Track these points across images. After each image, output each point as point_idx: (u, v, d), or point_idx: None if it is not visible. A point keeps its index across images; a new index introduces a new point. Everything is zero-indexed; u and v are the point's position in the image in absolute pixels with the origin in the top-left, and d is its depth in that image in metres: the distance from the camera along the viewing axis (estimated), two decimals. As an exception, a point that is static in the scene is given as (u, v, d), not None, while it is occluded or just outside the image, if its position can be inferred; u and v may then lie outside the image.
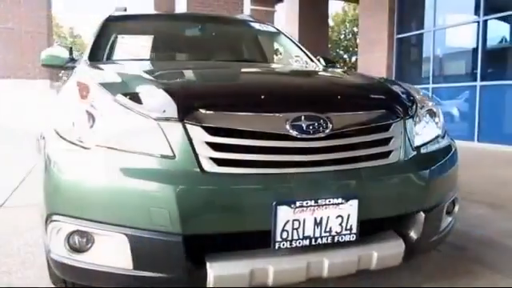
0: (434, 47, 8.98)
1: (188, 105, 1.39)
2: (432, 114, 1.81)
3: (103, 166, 1.34)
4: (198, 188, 1.30)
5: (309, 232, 1.39)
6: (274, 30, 3.14)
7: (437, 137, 1.77)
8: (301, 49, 3.06)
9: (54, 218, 1.37)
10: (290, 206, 1.35)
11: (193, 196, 1.29)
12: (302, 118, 1.43)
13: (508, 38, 7.81)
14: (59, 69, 2.69)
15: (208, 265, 1.32)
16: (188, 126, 1.34)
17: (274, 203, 1.33)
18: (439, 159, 1.66)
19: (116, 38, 2.72)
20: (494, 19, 7.70)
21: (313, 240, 1.40)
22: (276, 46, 3.08)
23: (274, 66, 2.80)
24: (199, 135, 1.34)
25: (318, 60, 3.00)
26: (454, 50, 8.96)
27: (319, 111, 1.46)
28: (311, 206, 1.37)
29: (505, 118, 7.19)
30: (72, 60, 2.59)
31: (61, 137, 1.43)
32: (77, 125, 1.43)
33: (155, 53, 2.60)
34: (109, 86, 1.52)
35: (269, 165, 1.38)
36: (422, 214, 1.57)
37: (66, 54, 2.57)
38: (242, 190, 1.34)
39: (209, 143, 1.34)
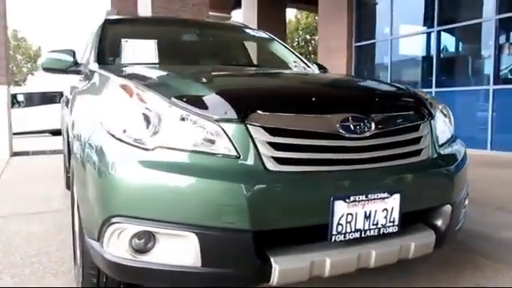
0: (391, 55, 9.46)
1: (248, 107, 1.45)
2: (444, 115, 1.98)
3: (168, 167, 1.36)
4: (264, 186, 1.36)
5: (359, 225, 1.49)
6: (270, 37, 3.25)
7: (452, 136, 1.94)
8: (296, 55, 3.19)
9: (115, 220, 1.38)
10: (344, 200, 1.44)
11: (260, 193, 1.35)
12: (350, 118, 1.53)
13: (459, 47, 8.40)
14: (60, 73, 2.62)
15: (272, 260, 1.38)
16: (250, 127, 1.41)
17: (332, 198, 1.42)
18: (459, 156, 1.83)
19: (119, 41, 2.70)
20: (446, 30, 8.26)
21: (362, 232, 1.50)
22: (273, 51, 3.17)
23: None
24: (261, 136, 1.41)
25: (312, 65, 3.14)
26: (410, 58, 9.49)
27: (363, 112, 1.57)
28: (362, 200, 1.47)
29: (459, 122, 7.71)
30: (76, 64, 2.54)
31: (118, 139, 1.43)
32: (134, 127, 1.44)
33: (167, 57, 2.60)
34: (159, 89, 1.54)
35: (323, 163, 1.47)
36: (449, 207, 1.72)
37: (69, 58, 2.51)
38: (303, 187, 1.42)
39: (270, 143, 1.41)
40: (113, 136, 1.45)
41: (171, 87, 1.61)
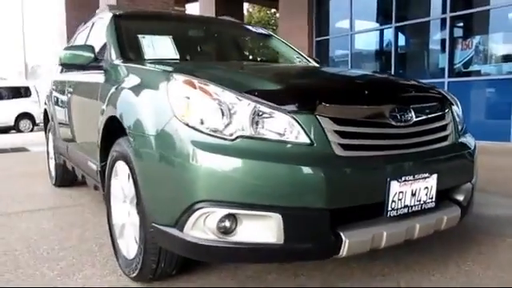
0: (351, 50, 9.89)
1: (317, 100, 1.61)
2: (458, 106, 2.24)
3: (250, 155, 1.50)
4: (336, 169, 1.54)
5: (407, 202, 1.71)
6: (276, 36, 3.44)
7: (464, 123, 2.21)
8: (297, 51, 3.38)
9: (201, 205, 1.50)
10: (397, 180, 1.65)
11: (332, 176, 1.53)
12: (396, 109, 1.74)
13: (416, 43, 8.97)
14: (79, 68, 2.64)
15: (342, 234, 1.56)
16: (319, 118, 1.58)
17: (388, 179, 1.63)
18: (473, 141, 2.10)
19: (136, 36, 2.74)
20: (404, 26, 8.78)
21: (409, 208, 1.72)
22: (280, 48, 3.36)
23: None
24: (329, 125, 1.58)
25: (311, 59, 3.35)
26: (370, 53, 9.98)
27: (405, 104, 1.79)
28: (410, 180, 1.69)
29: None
30: (96, 59, 2.57)
31: (198, 131, 1.54)
32: (214, 120, 1.56)
33: (186, 53, 2.68)
34: (227, 84, 1.66)
35: (379, 148, 1.67)
36: (470, 185, 1.98)
37: (90, 54, 2.54)
38: (366, 170, 1.61)
39: (336, 131, 1.59)
40: (192, 128, 1.56)
41: (236, 82, 1.73)
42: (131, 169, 1.86)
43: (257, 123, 1.56)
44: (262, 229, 1.50)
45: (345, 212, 1.59)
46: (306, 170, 1.50)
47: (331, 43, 10.69)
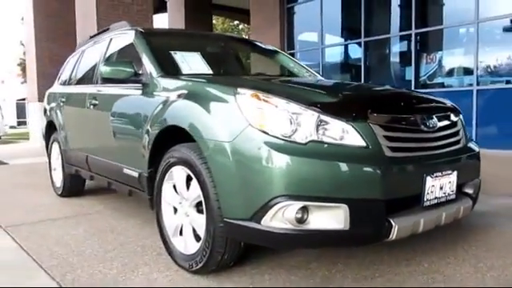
0: (322, 63, 10.41)
1: (368, 110, 1.94)
2: (462, 115, 2.64)
3: (321, 156, 1.80)
4: (387, 167, 1.87)
5: (437, 194, 2.06)
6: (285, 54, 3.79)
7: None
8: (303, 66, 3.73)
9: (280, 199, 1.77)
10: (431, 176, 2.01)
11: (386, 172, 1.86)
12: (425, 118, 2.11)
13: (384, 56, 9.60)
14: (119, 82, 2.83)
15: (392, 221, 1.88)
16: (372, 125, 1.90)
17: (424, 175, 1.98)
18: (477, 146, 2.50)
19: (167, 53, 2.98)
20: (373, 41, 9.39)
21: (438, 199, 2.08)
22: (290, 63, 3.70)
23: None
24: (379, 131, 1.91)
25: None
26: (340, 65, 10.54)
27: (430, 113, 2.16)
28: (439, 175, 2.05)
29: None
30: (136, 74, 2.78)
31: (274, 137, 1.82)
32: (283, 127, 1.85)
33: (216, 68, 2.94)
34: (291, 97, 1.95)
35: (415, 150, 2.02)
36: (478, 180, 2.38)
37: (131, 69, 2.75)
38: (408, 167, 1.95)
39: (385, 136, 1.92)
40: (268, 134, 1.83)
41: (294, 95, 2.02)
42: (196, 172, 2.10)
43: (321, 130, 1.86)
44: (331, 217, 1.79)
45: (392, 202, 1.92)
46: (365, 168, 1.82)
47: (303, 56, 11.17)
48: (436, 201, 2.07)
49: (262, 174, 1.81)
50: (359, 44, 9.51)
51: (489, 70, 7.54)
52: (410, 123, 2.05)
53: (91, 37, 4.32)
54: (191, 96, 2.25)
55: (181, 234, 2.36)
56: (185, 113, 2.21)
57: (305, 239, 1.82)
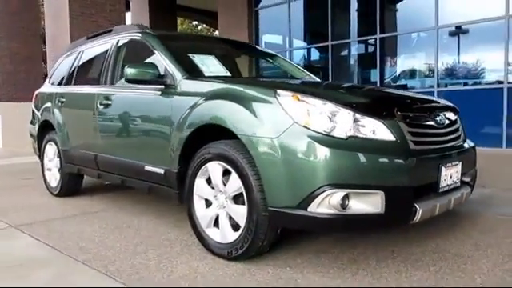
0: (290, 64, 10.77)
1: (395, 109, 2.23)
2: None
3: (360, 149, 2.06)
4: (413, 158, 2.17)
5: (448, 182, 2.39)
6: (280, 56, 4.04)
7: (462, 128, 2.98)
8: (300, 68, 4.00)
9: (326, 188, 2.01)
10: (444, 166, 2.33)
11: (412, 163, 2.15)
12: (436, 115, 2.43)
13: (350, 59, 10.10)
14: (144, 83, 2.95)
15: (417, 205, 2.18)
16: (398, 122, 2.19)
17: (440, 165, 2.29)
18: (472, 142, 2.87)
19: (187, 55, 3.14)
20: (339, 44, 9.86)
21: (448, 186, 2.40)
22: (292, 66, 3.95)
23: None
24: (404, 127, 2.20)
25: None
26: (308, 68, 10.93)
27: (439, 111, 2.49)
28: (450, 166, 2.38)
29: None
30: (160, 76, 2.92)
31: (318, 133, 2.06)
32: (325, 124, 2.09)
33: (229, 69, 3.14)
34: (326, 97, 2.20)
35: (431, 143, 2.34)
36: (475, 170, 2.74)
37: (155, 71, 2.88)
38: (428, 158, 2.26)
39: (409, 132, 2.21)
40: (313, 131, 2.07)
41: (329, 96, 2.28)
42: (238, 166, 2.29)
43: (357, 126, 2.12)
44: (369, 203, 2.05)
45: (417, 189, 2.21)
46: (396, 159, 2.11)
47: (271, 58, 11.47)
48: (447, 188, 2.39)
49: (310, 165, 2.04)
50: (326, 47, 9.95)
51: (448, 72, 8.18)
52: (426, 120, 2.37)
53: (88, 38, 4.35)
54: (228, 97, 2.43)
55: (215, 225, 2.54)
56: (225, 112, 2.39)
57: (346, 223, 2.08)
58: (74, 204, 4.06)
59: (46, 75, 7.40)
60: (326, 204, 2.03)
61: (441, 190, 2.34)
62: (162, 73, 2.93)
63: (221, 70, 3.12)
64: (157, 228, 3.17)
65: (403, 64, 8.98)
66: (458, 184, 2.50)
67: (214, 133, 2.52)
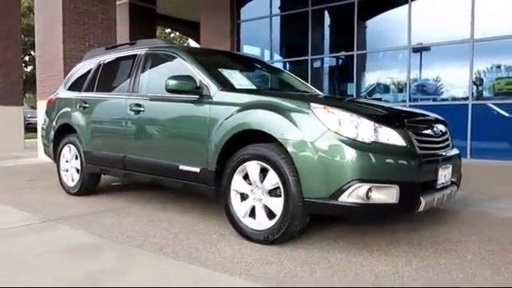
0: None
1: (405, 121, 2.79)
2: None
3: (380, 151, 2.60)
4: (420, 160, 2.73)
5: (442, 180, 2.97)
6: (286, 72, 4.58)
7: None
8: (304, 83, 4.55)
9: (354, 182, 2.53)
10: (441, 168, 2.91)
11: (419, 163, 2.71)
12: (433, 126, 3.02)
13: (329, 73, 10.79)
14: (182, 93, 3.38)
15: (421, 197, 2.73)
16: (408, 132, 2.75)
17: (437, 166, 2.87)
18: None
19: (217, 69, 3.60)
20: (317, 59, 10.54)
21: (442, 184, 2.98)
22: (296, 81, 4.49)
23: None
24: (412, 136, 2.76)
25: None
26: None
27: (434, 123, 3.08)
28: (444, 167, 2.96)
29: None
30: (196, 87, 3.36)
31: (347, 138, 2.58)
32: (351, 131, 2.61)
33: (253, 82, 3.66)
34: (350, 110, 2.73)
35: (431, 149, 2.91)
36: (460, 173, 3.35)
37: (193, 83, 3.33)
38: (429, 161, 2.83)
39: (416, 139, 2.78)
40: (343, 136, 2.58)
41: (351, 109, 2.80)
42: (276, 165, 2.77)
43: (376, 134, 2.66)
44: (387, 194, 2.58)
45: (421, 185, 2.77)
46: (408, 160, 2.66)
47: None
48: (442, 185, 2.97)
49: (341, 164, 2.55)
50: (306, 61, 10.59)
51: (419, 88, 8.99)
52: (427, 130, 2.95)
53: (107, 48, 4.72)
54: (267, 107, 2.91)
55: (250, 215, 2.99)
56: (266, 120, 2.86)
57: (368, 210, 2.60)
58: (94, 202, 4.39)
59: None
60: (354, 195, 2.54)
61: (438, 187, 2.91)
62: (198, 84, 3.36)
63: (246, 83, 3.60)
64: (186, 221, 3.58)
65: (378, 79, 9.73)
66: (449, 183, 3.09)
67: (246, 138, 2.99)
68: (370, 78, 9.85)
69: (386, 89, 9.62)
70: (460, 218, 3.70)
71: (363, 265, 2.53)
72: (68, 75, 5.22)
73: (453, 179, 3.28)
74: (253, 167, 2.94)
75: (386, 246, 2.88)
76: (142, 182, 4.11)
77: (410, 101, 8.92)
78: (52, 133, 4.97)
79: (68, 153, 4.76)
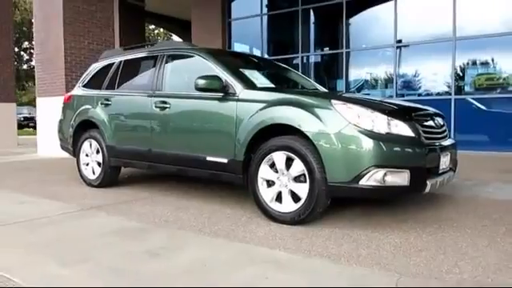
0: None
1: (413, 115, 3.23)
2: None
3: (394, 141, 3.02)
4: (427, 148, 3.17)
5: (443, 166, 3.42)
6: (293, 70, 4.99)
7: (443, 128, 4.06)
8: (306, 79, 4.96)
9: (372, 168, 2.94)
10: (442, 155, 3.36)
11: (425, 151, 3.15)
12: (435, 119, 3.47)
13: (321, 70, 11.23)
14: (210, 91, 3.74)
15: (427, 180, 3.18)
16: (415, 124, 3.19)
17: (439, 154, 3.32)
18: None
19: (239, 69, 3.97)
20: (309, 56, 10.97)
21: (443, 169, 3.44)
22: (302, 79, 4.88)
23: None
24: (419, 127, 3.20)
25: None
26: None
27: (435, 116, 3.53)
28: (444, 155, 3.41)
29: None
30: (223, 86, 3.72)
31: (365, 130, 2.99)
32: (369, 124, 3.02)
33: (271, 81, 4.07)
34: (366, 105, 3.15)
35: (434, 139, 3.36)
36: (456, 159, 3.82)
37: (221, 82, 3.69)
38: (433, 149, 3.27)
39: (422, 130, 3.22)
40: (362, 128, 2.99)
41: (367, 104, 3.21)
42: (301, 155, 3.17)
43: (389, 126, 3.08)
44: (400, 178, 3.01)
45: (427, 170, 3.22)
46: (416, 149, 3.10)
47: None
48: (443, 170, 3.42)
49: (361, 152, 2.97)
50: (296, 59, 11.01)
51: (405, 84, 9.52)
52: (429, 122, 3.40)
53: (125, 49, 5.02)
54: (293, 104, 3.30)
55: (276, 200, 3.39)
56: (292, 115, 3.25)
57: (384, 191, 3.03)
58: (119, 192, 4.70)
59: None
60: (372, 179, 2.96)
61: (440, 172, 3.36)
62: (224, 83, 3.73)
63: (266, 82, 3.99)
64: (213, 207, 3.93)
65: (366, 76, 10.23)
66: (448, 169, 3.55)
67: (268, 132, 3.37)
68: (359, 75, 10.33)
69: (373, 85, 10.12)
70: (455, 200, 4.18)
71: (380, 239, 2.96)
72: (85, 74, 5.49)
73: (450, 165, 3.74)
74: (279, 157, 3.33)
75: (396, 224, 3.31)
76: (165, 173, 4.43)
77: (396, 96, 9.44)
78: (71, 129, 5.23)
79: (88, 147, 5.04)
